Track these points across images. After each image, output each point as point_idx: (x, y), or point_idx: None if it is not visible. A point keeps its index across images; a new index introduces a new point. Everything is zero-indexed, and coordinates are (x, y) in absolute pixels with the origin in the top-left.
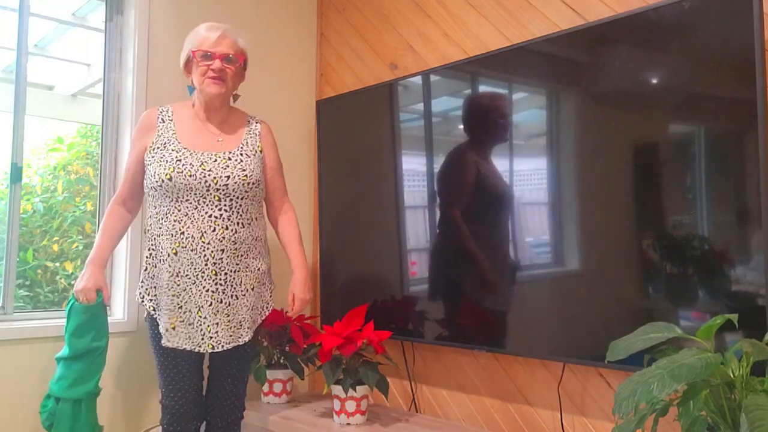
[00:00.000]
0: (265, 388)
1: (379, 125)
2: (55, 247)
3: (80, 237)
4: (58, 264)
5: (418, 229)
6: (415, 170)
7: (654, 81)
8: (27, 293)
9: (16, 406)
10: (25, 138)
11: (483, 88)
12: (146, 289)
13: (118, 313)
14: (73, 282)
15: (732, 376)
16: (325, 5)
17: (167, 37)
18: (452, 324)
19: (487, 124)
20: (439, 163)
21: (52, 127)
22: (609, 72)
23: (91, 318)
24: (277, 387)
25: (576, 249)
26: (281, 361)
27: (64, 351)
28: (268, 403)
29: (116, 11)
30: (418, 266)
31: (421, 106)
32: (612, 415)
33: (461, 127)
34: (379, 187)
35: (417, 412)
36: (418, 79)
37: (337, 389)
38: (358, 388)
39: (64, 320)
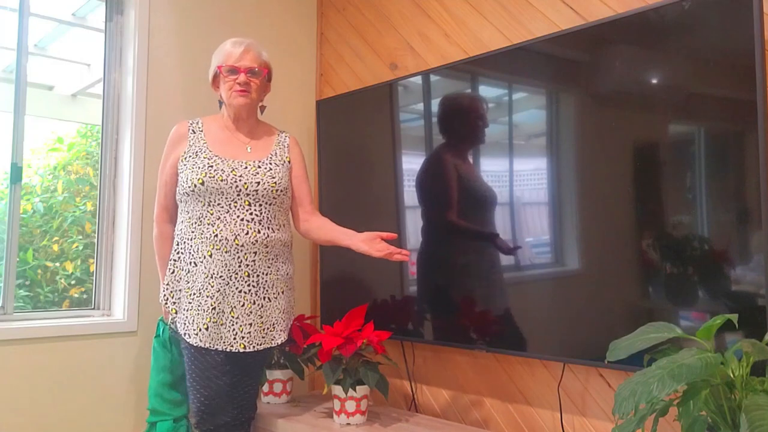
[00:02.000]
0: (265, 388)
1: (379, 125)
2: (55, 247)
3: (80, 237)
4: (58, 264)
5: (418, 230)
6: (415, 170)
7: (654, 81)
8: (27, 293)
9: (17, 406)
10: (25, 138)
11: (482, 89)
12: (170, 291)
13: (118, 313)
14: (73, 282)
15: (732, 376)
16: (325, 5)
17: (167, 37)
18: (452, 324)
19: (469, 125)
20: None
21: (52, 127)
22: (609, 72)
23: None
24: (277, 387)
25: (576, 249)
26: (281, 361)
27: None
28: (268, 403)
29: (116, 11)
30: (418, 266)
31: (421, 106)
32: (612, 415)
33: (446, 129)
34: (379, 187)
35: (417, 412)
36: (418, 79)
37: (337, 389)
38: (358, 388)
39: (68, 321)
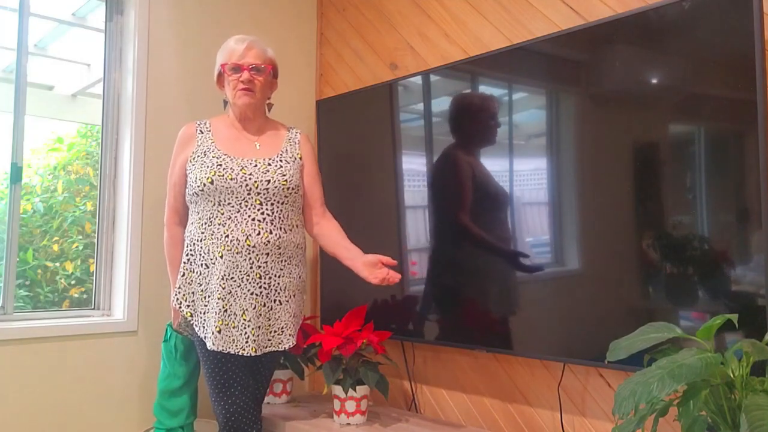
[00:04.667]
0: None
1: (379, 125)
2: (55, 247)
3: (80, 237)
4: (58, 264)
5: (418, 229)
6: (415, 170)
7: (654, 81)
8: (27, 293)
9: (17, 406)
10: (25, 138)
11: (483, 88)
12: (183, 294)
13: (118, 313)
14: (72, 282)
15: (732, 376)
16: (325, 5)
17: (167, 37)
18: (452, 324)
19: (482, 124)
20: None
21: (52, 127)
22: (609, 72)
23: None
24: (277, 387)
25: (576, 249)
26: (281, 361)
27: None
28: (268, 403)
29: (116, 11)
30: (419, 266)
31: (421, 106)
32: (612, 415)
33: (458, 127)
34: (379, 187)
35: (417, 412)
36: (418, 79)
37: (337, 389)
38: (358, 388)
39: (68, 321)
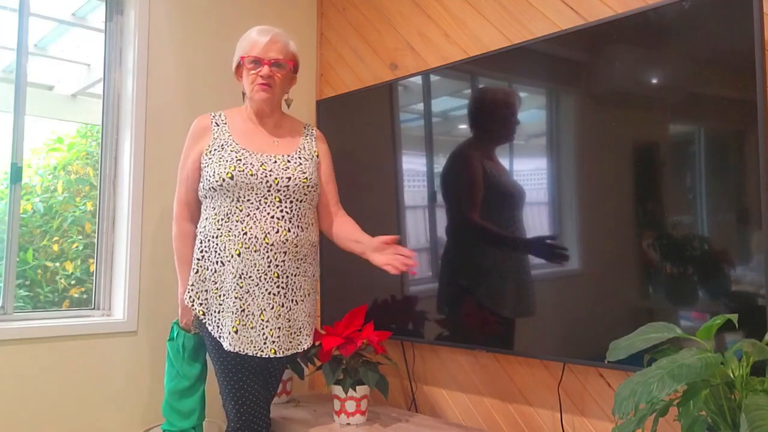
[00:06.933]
0: None
1: (379, 125)
2: (55, 247)
3: (80, 237)
4: (58, 264)
5: (418, 229)
6: (415, 170)
7: (654, 81)
8: (27, 293)
9: (16, 406)
10: (25, 138)
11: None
12: (196, 292)
13: (118, 313)
14: (72, 282)
15: (732, 376)
16: (325, 5)
17: (167, 37)
18: (452, 324)
19: (495, 120)
20: (439, 163)
21: (52, 127)
22: (609, 72)
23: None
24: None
25: (576, 249)
26: None
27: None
28: None
29: (116, 11)
30: (418, 266)
31: (421, 106)
32: (612, 415)
33: (463, 126)
34: (379, 187)
35: (417, 412)
36: (418, 79)
37: (337, 389)
38: (357, 388)
39: (68, 321)
